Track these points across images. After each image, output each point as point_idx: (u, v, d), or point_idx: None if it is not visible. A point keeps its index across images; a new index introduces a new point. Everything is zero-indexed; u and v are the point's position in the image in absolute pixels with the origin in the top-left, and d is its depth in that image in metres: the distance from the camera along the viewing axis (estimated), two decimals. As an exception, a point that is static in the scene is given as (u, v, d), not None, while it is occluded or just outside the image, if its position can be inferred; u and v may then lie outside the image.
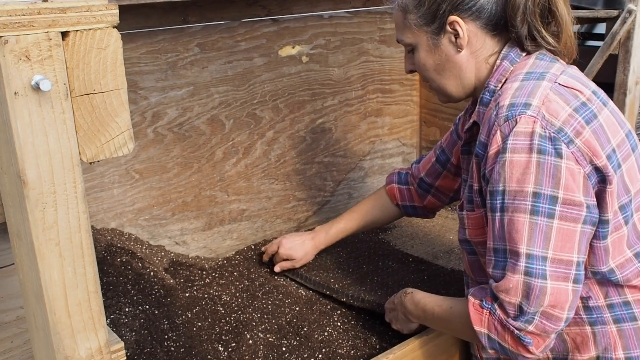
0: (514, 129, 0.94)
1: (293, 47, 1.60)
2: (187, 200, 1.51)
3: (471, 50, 1.07)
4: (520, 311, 0.94)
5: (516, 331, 0.94)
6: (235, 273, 1.50)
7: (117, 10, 0.44)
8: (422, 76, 1.17)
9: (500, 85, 1.05)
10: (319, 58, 1.67)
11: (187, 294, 1.36)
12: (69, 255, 0.46)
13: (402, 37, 1.13)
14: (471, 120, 1.11)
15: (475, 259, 1.13)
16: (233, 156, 1.56)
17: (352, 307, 1.38)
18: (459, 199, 1.36)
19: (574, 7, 1.72)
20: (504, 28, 1.06)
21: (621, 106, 1.67)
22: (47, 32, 0.41)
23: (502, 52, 1.07)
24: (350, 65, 1.74)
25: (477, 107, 1.08)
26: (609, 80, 1.72)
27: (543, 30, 1.04)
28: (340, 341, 1.25)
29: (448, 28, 1.06)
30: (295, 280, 1.49)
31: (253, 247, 1.63)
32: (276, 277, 1.50)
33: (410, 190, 1.46)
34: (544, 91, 0.97)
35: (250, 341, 1.24)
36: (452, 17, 1.04)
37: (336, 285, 1.42)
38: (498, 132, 0.96)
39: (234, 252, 1.60)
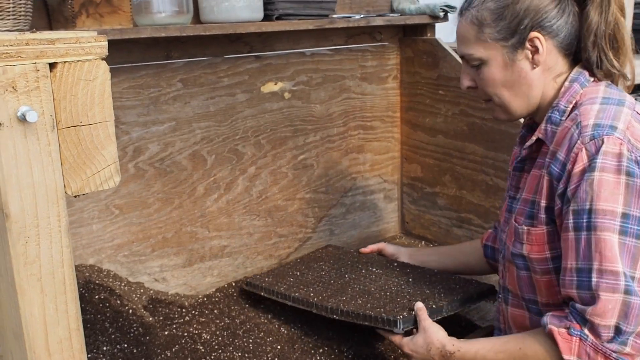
0: (602, 149, 0.95)
1: (275, 84, 1.61)
2: (168, 236, 1.49)
3: (544, 68, 1.08)
4: (617, 332, 0.92)
5: (613, 354, 0.92)
6: (215, 311, 1.48)
7: (106, 43, 0.44)
8: (484, 92, 1.15)
9: (570, 107, 1.06)
10: (301, 94, 1.68)
11: (166, 332, 1.33)
12: (51, 291, 0.44)
13: (471, 52, 1.11)
14: (534, 137, 1.10)
15: (527, 275, 1.11)
16: (214, 192, 1.55)
17: (334, 345, 1.36)
18: None
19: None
20: (575, 50, 1.08)
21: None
22: (35, 63, 0.41)
23: (572, 74, 1.09)
24: (332, 102, 1.75)
25: (545, 125, 1.08)
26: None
27: (610, 55, 1.06)
28: (323, 380, 1.23)
29: (528, 44, 1.06)
30: (275, 299, 1.45)
31: (234, 284, 1.61)
32: (257, 315, 1.48)
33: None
34: (627, 117, 1.00)
35: (232, 381, 1.21)
36: (534, 34, 1.05)
37: (315, 299, 1.37)
38: (583, 150, 0.97)
39: (214, 289, 1.58)
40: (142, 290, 1.44)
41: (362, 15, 1.68)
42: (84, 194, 0.45)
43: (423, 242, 1.97)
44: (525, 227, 1.08)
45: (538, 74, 1.08)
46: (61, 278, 0.44)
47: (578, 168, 0.97)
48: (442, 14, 1.75)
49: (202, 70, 1.47)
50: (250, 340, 1.35)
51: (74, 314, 0.46)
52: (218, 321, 1.42)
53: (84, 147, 0.43)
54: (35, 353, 0.44)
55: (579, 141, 0.98)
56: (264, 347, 1.33)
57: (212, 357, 1.27)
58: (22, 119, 0.40)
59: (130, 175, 1.40)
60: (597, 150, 0.95)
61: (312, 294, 1.40)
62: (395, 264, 1.54)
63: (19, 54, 0.39)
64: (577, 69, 1.09)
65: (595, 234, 0.94)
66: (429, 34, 1.83)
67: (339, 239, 1.86)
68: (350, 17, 1.63)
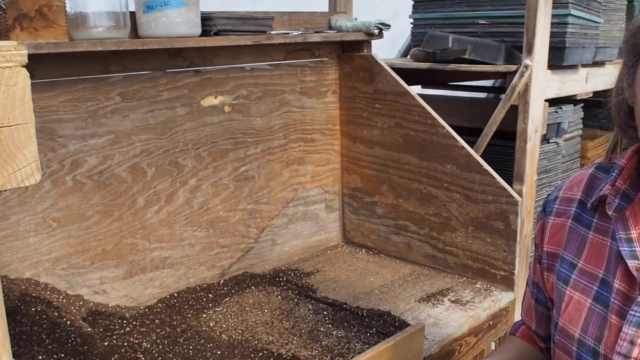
0: None
1: (215, 97, 1.65)
2: (107, 248, 1.50)
3: None
4: None
5: None
6: (156, 321, 1.49)
7: (26, 51, 0.47)
8: None
9: None
10: (242, 108, 1.72)
11: (105, 343, 1.34)
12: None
13: None
14: None
15: None
16: (155, 204, 1.57)
17: (273, 348, 1.40)
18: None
19: (479, 62, 1.86)
20: None
21: (522, 152, 1.80)
22: (-45, 68, 0.44)
23: None
24: (272, 115, 1.80)
25: None
26: (511, 129, 1.85)
27: None
28: (261, 383, 1.26)
29: None
30: None
31: (176, 294, 1.62)
32: (199, 324, 1.50)
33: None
34: None
35: (170, 387, 1.23)
36: None
37: None
38: None
39: (156, 300, 1.59)
40: (81, 303, 1.44)
41: (299, 32, 1.74)
42: (5, 190, 0.48)
43: (364, 250, 2.03)
44: None
45: None
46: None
47: None
48: (376, 31, 1.82)
49: (141, 84, 1.50)
50: (191, 347, 1.37)
51: (1, 335, 0.49)
52: (159, 330, 1.44)
53: (5, 147, 0.47)
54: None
55: None
56: (204, 353, 1.35)
57: (152, 365, 1.29)
58: None
59: (68, 188, 1.41)
60: None
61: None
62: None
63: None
64: None
65: None
66: (365, 50, 1.90)
67: (281, 249, 1.91)
68: (288, 33, 1.68)
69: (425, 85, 2.55)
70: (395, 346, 1.30)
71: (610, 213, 0.92)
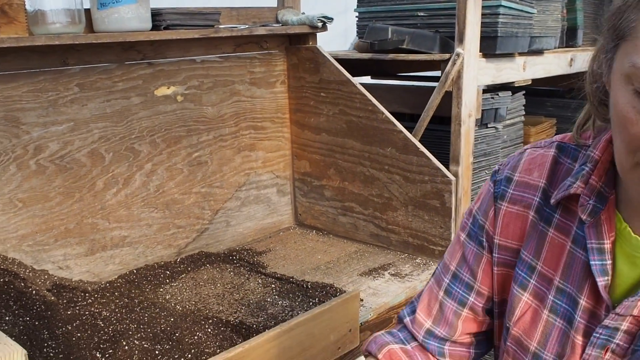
0: None
1: (168, 88, 1.78)
2: (70, 227, 1.63)
3: None
4: None
5: None
6: (116, 293, 1.62)
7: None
8: None
9: None
10: (193, 98, 1.85)
11: (68, 312, 1.47)
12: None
13: None
14: None
15: None
16: (113, 186, 1.70)
17: (222, 316, 1.54)
18: (486, 352, 1.03)
19: (416, 52, 2.01)
20: None
21: (457, 135, 1.96)
22: None
23: None
24: (223, 104, 1.93)
25: None
26: (446, 114, 2.01)
27: None
28: (208, 343, 1.40)
29: None
30: None
31: (135, 271, 1.75)
32: (156, 297, 1.63)
33: (420, 348, 1.02)
34: None
35: (127, 347, 1.36)
36: None
37: None
38: None
39: (116, 276, 1.72)
40: (46, 277, 1.56)
41: (247, 26, 1.87)
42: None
43: (314, 232, 2.17)
44: None
45: None
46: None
47: None
48: (320, 24, 1.97)
49: (97, 75, 1.62)
50: (146, 315, 1.51)
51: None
52: (118, 301, 1.57)
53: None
54: None
55: None
56: (157, 320, 1.48)
57: (110, 329, 1.42)
58: None
59: (32, 171, 1.53)
60: None
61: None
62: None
63: None
64: None
65: None
66: (310, 43, 2.05)
67: (235, 230, 2.04)
68: (235, 27, 1.82)
69: (374, 76, 2.71)
70: (330, 310, 1.44)
71: (584, 217, 0.81)
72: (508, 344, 0.91)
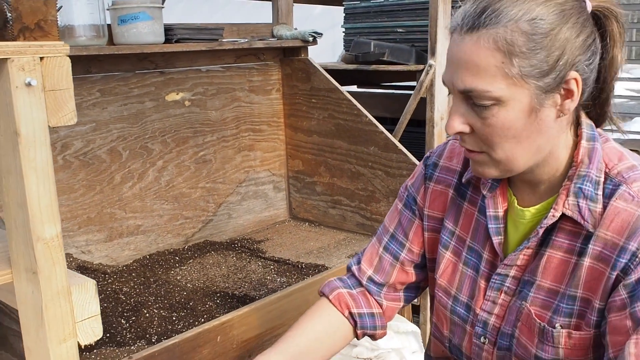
0: None
1: (177, 94, 2.01)
2: (91, 216, 1.85)
3: (564, 117, 0.90)
4: None
5: None
6: (133, 274, 1.84)
7: (68, 47, 0.84)
8: (484, 141, 0.91)
9: (602, 177, 0.92)
10: (199, 103, 2.08)
11: (93, 288, 1.68)
12: (41, 177, 0.83)
13: (488, 87, 0.86)
14: (559, 212, 0.93)
15: None
16: (129, 180, 1.92)
17: (229, 291, 1.76)
18: (414, 297, 1.24)
19: (395, 63, 2.26)
20: (589, 98, 0.93)
21: (431, 136, 2.20)
22: (33, 56, 0.80)
23: (585, 129, 0.94)
24: (225, 109, 2.17)
25: (574, 200, 0.92)
26: (422, 117, 2.25)
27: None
28: (218, 310, 1.62)
29: (562, 86, 0.87)
30: None
31: (148, 256, 1.97)
32: (168, 278, 1.85)
33: (364, 293, 1.19)
34: None
35: (147, 314, 1.58)
36: (573, 73, 0.86)
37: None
38: None
39: (132, 261, 1.94)
40: (70, 259, 1.78)
41: (246, 40, 2.11)
42: (59, 126, 0.83)
43: (307, 223, 2.40)
44: (564, 330, 0.93)
45: (558, 125, 0.90)
46: (47, 171, 0.82)
47: None
48: (311, 38, 2.21)
49: (116, 82, 1.85)
50: (162, 290, 1.73)
51: (53, 192, 0.85)
52: (136, 280, 1.79)
53: (58, 101, 0.82)
54: (33, 215, 0.83)
55: None
56: (172, 294, 1.71)
57: (131, 301, 1.64)
58: (28, 84, 0.78)
59: (59, 165, 1.76)
60: None
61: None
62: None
63: (25, 52, 0.78)
64: (586, 120, 0.95)
65: None
66: (302, 55, 2.29)
67: (236, 222, 2.27)
68: (236, 40, 2.06)
69: (360, 85, 2.95)
70: (322, 280, 1.62)
71: (484, 192, 1.03)
72: (436, 291, 1.14)
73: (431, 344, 1.25)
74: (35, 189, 0.83)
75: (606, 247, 0.90)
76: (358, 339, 1.20)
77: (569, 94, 0.88)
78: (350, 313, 1.16)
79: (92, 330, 0.94)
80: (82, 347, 0.92)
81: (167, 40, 1.85)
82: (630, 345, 0.84)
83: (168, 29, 1.84)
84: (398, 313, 2.13)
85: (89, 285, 0.93)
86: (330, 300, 1.17)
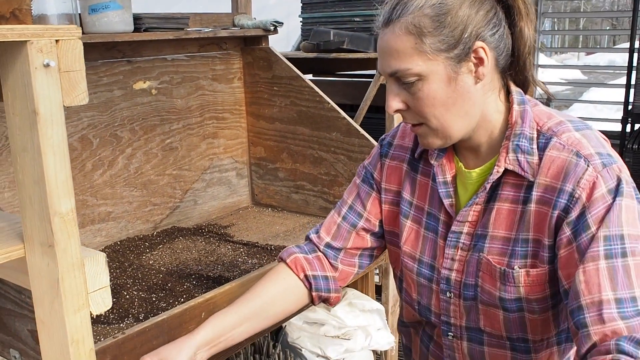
0: (621, 176, 0.97)
1: (144, 82, 2.05)
2: (63, 203, 1.86)
3: (484, 83, 1.03)
4: None
5: None
6: (107, 259, 1.87)
7: (80, 30, 0.89)
8: (418, 113, 1.05)
9: (535, 133, 1.04)
10: (165, 91, 2.12)
11: (70, 273, 1.71)
12: (57, 154, 0.88)
13: (408, 66, 1.00)
14: (500, 169, 1.05)
15: (519, 315, 1.09)
16: (100, 168, 1.95)
17: (202, 273, 1.81)
18: (368, 264, 1.31)
19: (353, 51, 2.35)
20: (506, 66, 1.06)
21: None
22: (50, 39, 0.85)
23: (515, 95, 1.07)
24: (190, 97, 2.21)
25: (513, 155, 1.04)
26: (381, 104, 2.36)
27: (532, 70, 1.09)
28: (196, 290, 1.68)
29: (472, 55, 1.00)
30: None
31: (119, 242, 2.00)
32: (141, 262, 1.89)
33: (319, 257, 1.28)
34: (607, 143, 1.03)
35: (127, 296, 1.62)
36: (479, 43, 1.00)
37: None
38: (599, 177, 0.96)
39: (104, 247, 1.97)
40: (45, 246, 1.80)
41: (210, 29, 2.16)
42: (72, 106, 0.88)
43: (270, 209, 2.47)
44: (522, 270, 1.04)
45: (480, 90, 1.03)
46: (63, 148, 0.87)
47: (598, 193, 0.96)
48: (272, 27, 2.28)
49: (86, 71, 1.87)
50: (139, 273, 1.77)
51: (68, 169, 0.90)
52: (111, 264, 1.82)
53: (72, 81, 0.87)
54: (50, 190, 0.88)
55: (589, 169, 0.97)
56: (149, 277, 1.75)
57: (110, 284, 1.67)
58: (46, 65, 0.83)
59: (31, 154, 1.77)
60: (618, 178, 0.96)
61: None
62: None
63: (43, 35, 0.83)
64: (515, 88, 1.08)
65: (634, 259, 0.93)
66: (263, 44, 2.35)
67: (202, 208, 2.32)
68: (201, 30, 2.11)
69: (316, 74, 3.04)
70: None
71: (432, 162, 1.15)
72: (402, 257, 1.24)
73: (403, 310, 1.35)
74: (52, 166, 0.88)
75: (546, 191, 1.01)
76: (314, 304, 1.28)
77: (480, 61, 1.01)
78: (306, 275, 1.24)
79: (103, 301, 1.00)
80: (94, 316, 0.98)
81: (136, 29, 1.88)
82: (579, 274, 0.95)
83: (137, 18, 1.88)
84: (362, 292, 2.24)
85: (100, 258, 0.98)
86: (287, 264, 1.26)
